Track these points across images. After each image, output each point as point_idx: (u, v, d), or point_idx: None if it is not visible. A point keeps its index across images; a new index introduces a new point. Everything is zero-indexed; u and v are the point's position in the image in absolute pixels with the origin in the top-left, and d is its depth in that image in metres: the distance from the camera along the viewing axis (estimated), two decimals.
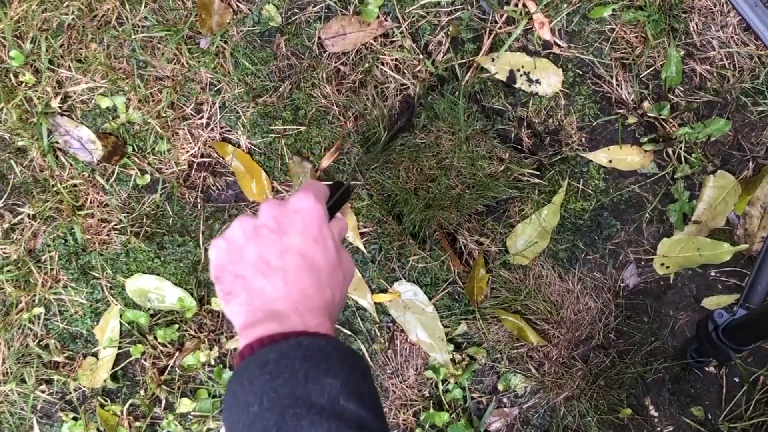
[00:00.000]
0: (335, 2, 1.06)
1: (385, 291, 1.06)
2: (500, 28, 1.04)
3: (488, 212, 1.04)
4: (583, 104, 1.05)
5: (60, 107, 1.07)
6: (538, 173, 1.04)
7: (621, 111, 1.04)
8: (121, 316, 1.06)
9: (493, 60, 1.04)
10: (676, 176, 1.03)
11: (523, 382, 1.05)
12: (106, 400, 1.07)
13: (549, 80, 1.04)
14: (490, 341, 1.05)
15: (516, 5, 1.04)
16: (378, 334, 1.06)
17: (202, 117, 1.07)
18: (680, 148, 1.02)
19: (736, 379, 1.02)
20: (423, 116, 1.02)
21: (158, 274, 1.07)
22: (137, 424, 1.06)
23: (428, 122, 1.02)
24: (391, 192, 1.03)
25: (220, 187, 1.08)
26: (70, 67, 1.07)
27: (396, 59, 1.04)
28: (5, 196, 1.08)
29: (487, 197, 1.01)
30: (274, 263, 0.49)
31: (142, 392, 1.07)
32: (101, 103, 1.07)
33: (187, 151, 1.07)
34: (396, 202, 1.03)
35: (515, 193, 1.02)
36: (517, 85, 1.04)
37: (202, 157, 1.07)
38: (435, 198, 1.00)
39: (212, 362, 1.06)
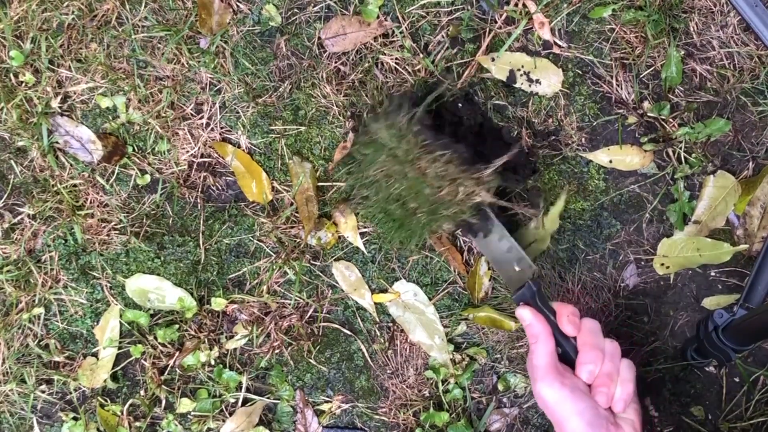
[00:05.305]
0: (335, 2, 1.06)
1: (385, 291, 1.06)
2: (500, 28, 1.04)
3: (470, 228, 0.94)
4: (583, 104, 1.05)
5: (60, 107, 1.07)
6: (494, 198, 0.90)
7: (621, 111, 1.04)
8: (121, 316, 1.06)
9: (493, 60, 1.04)
10: (676, 176, 1.03)
11: (523, 382, 1.05)
12: (106, 400, 1.07)
13: (549, 80, 1.04)
14: (490, 341, 1.05)
15: (516, 5, 1.04)
16: (378, 334, 1.06)
17: (202, 117, 1.07)
18: (680, 148, 1.02)
19: (736, 379, 1.02)
20: (370, 150, 0.92)
21: (158, 274, 1.07)
22: (137, 424, 1.06)
23: (373, 153, 0.92)
24: (370, 213, 0.99)
25: (220, 187, 1.08)
26: (70, 67, 1.07)
27: (396, 59, 1.04)
28: (5, 196, 1.08)
29: (443, 222, 0.90)
30: None
31: (142, 392, 1.07)
32: (101, 103, 1.07)
33: (187, 151, 1.07)
34: (378, 219, 0.98)
35: (472, 215, 0.90)
36: (517, 85, 1.04)
37: (202, 157, 1.07)
38: (403, 220, 0.93)
39: (212, 362, 1.06)
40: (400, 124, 0.90)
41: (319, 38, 1.05)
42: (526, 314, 0.82)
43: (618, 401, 0.77)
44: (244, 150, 1.07)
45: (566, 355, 0.81)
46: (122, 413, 1.06)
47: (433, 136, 0.90)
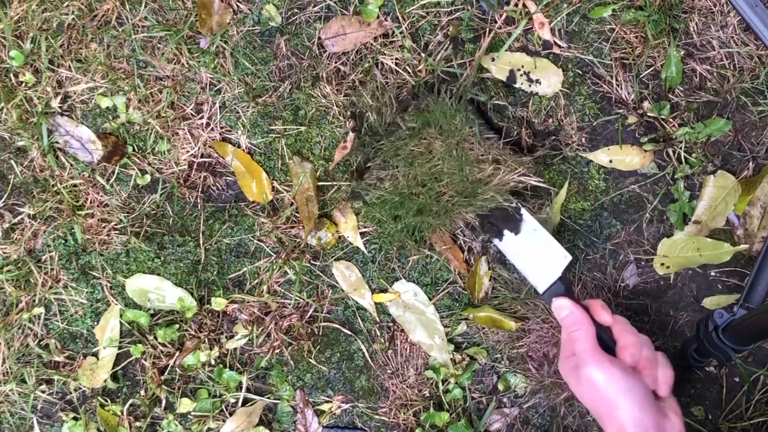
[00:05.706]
0: (335, 2, 1.06)
1: (385, 291, 1.06)
2: (500, 28, 1.04)
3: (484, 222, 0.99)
4: (583, 104, 1.05)
5: (60, 107, 1.07)
6: (539, 178, 0.99)
7: (621, 111, 1.04)
8: (121, 316, 1.06)
9: (493, 60, 1.04)
10: (676, 176, 1.03)
11: (523, 382, 1.05)
12: (106, 400, 1.07)
13: (549, 80, 1.04)
14: (490, 341, 1.05)
15: (516, 5, 1.04)
16: (378, 334, 1.06)
17: (202, 117, 1.07)
18: (680, 148, 1.02)
19: (736, 379, 1.02)
20: (418, 122, 0.98)
21: (158, 274, 1.07)
22: (137, 424, 1.06)
23: (421, 127, 0.98)
24: (386, 196, 1.00)
25: (220, 187, 1.08)
26: (70, 67, 1.07)
27: (396, 59, 1.04)
28: (5, 196, 1.08)
29: (476, 205, 0.95)
30: None
31: (142, 392, 1.07)
32: (101, 103, 1.07)
33: (187, 151, 1.07)
34: (392, 204, 1.00)
35: (505, 201, 0.95)
36: (517, 85, 1.04)
37: (202, 157, 1.07)
38: (425, 204, 0.97)
39: (212, 362, 1.06)
40: (453, 102, 0.97)
41: (319, 38, 1.05)
42: (565, 303, 0.85)
43: (662, 384, 0.79)
44: (244, 150, 1.07)
45: (603, 344, 0.82)
46: (122, 413, 1.06)
47: (484, 120, 0.99)
